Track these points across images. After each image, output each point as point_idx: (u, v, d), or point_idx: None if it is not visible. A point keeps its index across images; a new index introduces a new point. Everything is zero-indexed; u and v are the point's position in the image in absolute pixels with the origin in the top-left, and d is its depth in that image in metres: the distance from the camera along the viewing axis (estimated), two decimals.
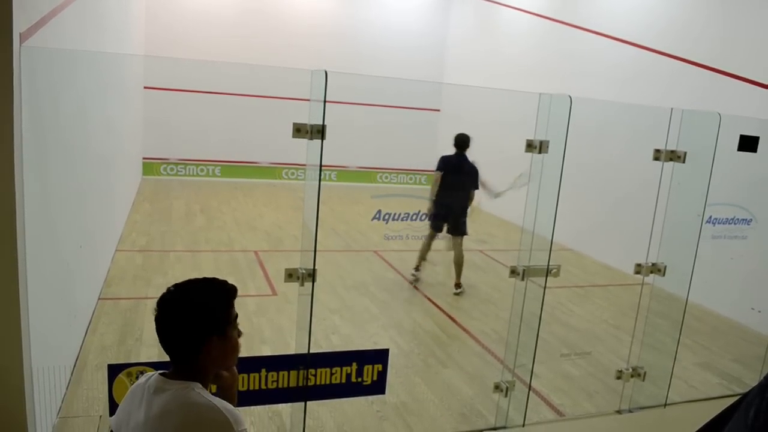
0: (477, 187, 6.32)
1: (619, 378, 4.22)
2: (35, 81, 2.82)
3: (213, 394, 1.61)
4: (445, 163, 6.20)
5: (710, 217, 4.27)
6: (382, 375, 3.38)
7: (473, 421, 3.83)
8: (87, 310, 4.72)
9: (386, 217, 3.83)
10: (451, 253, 6.30)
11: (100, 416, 3.42)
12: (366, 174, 12.77)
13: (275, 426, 3.55)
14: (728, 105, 5.43)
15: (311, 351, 3.22)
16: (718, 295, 6.07)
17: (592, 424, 3.98)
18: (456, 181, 6.12)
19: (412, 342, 5.02)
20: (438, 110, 13.12)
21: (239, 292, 1.69)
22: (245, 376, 3.08)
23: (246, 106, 12.00)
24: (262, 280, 6.26)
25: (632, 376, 4.17)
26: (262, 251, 7.31)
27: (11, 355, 2.70)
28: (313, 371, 3.24)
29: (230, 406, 1.57)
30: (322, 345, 4.51)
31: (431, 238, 6.14)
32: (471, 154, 6.23)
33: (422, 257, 6.38)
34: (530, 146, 3.52)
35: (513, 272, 3.67)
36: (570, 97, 3.41)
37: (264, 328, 4.93)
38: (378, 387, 3.41)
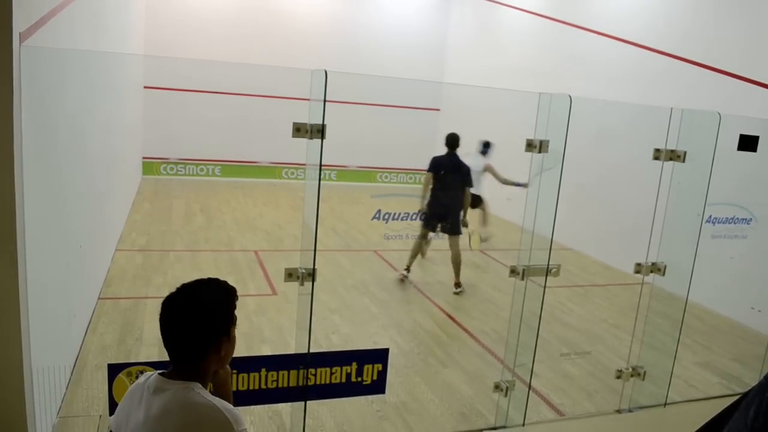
0: (471, 186, 6.32)
1: (619, 377, 4.22)
2: (35, 81, 2.82)
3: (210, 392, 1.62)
4: (435, 163, 6.22)
5: (710, 217, 4.27)
6: (382, 374, 3.38)
7: (473, 420, 3.83)
8: (87, 309, 4.72)
9: (386, 216, 3.84)
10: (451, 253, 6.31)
11: (100, 416, 3.42)
12: (366, 173, 12.77)
13: (275, 425, 3.55)
14: (728, 105, 5.43)
15: (311, 350, 3.22)
16: (718, 294, 6.06)
17: (592, 423, 3.98)
18: (448, 181, 6.13)
19: (412, 341, 5.02)
20: (438, 110, 13.12)
21: (239, 292, 1.70)
22: (245, 375, 3.08)
23: (246, 106, 12.00)
24: (262, 279, 6.26)
25: (632, 376, 4.17)
26: (262, 251, 7.31)
27: (11, 355, 2.70)
28: (313, 371, 3.23)
29: (230, 406, 1.57)
30: (322, 344, 4.51)
31: (423, 237, 6.15)
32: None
33: (413, 256, 6.40)
34: (530, 146, 3.53)
35: (513, 272, 3.67)
36: (570, 97, 3.41)
37: (264, 328, 4.93)
38: (378, 386, 3.41)
